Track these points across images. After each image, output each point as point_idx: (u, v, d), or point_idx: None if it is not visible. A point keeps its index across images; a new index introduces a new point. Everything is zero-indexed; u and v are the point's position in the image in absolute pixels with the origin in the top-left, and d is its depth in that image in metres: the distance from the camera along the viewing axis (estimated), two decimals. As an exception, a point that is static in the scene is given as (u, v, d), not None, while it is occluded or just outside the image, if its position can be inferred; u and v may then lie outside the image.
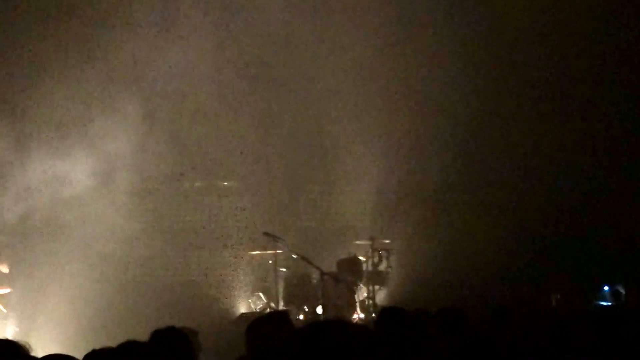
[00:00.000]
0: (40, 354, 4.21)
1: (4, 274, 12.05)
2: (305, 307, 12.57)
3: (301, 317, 12.42)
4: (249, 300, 13.18)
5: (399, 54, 13.18)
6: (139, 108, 12.52)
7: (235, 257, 12.97)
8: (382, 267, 12.96)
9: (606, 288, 12.60)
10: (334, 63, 13.28)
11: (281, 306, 12.40)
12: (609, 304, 11.63)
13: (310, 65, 13.24)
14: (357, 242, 13.37)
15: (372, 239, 13.05)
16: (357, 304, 12.62)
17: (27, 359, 3.96)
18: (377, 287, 12.84)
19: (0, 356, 3.85)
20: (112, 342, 4.49)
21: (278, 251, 12.40)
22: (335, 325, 2.52)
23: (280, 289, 12.61)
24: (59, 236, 12.26)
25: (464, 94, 13.27)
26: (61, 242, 12.18)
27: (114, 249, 12.80)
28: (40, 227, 12.34)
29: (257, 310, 12.85)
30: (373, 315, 11.92)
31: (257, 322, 4.97)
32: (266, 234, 12.29)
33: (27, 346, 4.03)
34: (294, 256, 12.22)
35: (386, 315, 5.68)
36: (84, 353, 4.35)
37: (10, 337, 5.35)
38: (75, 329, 11.29)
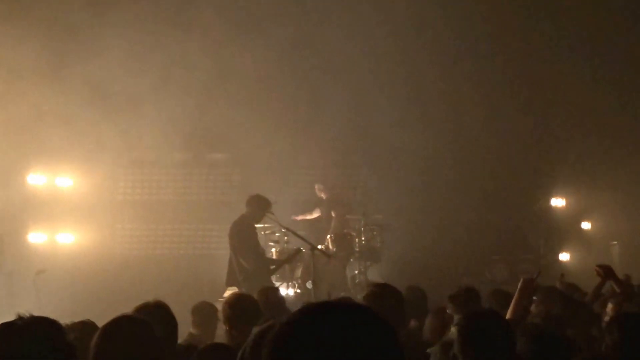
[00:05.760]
0: None
1: None
2: (295, 282, 12.33)
3: (291, 292, 12.19)
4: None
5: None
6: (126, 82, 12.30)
7: (223, 231, 12.38)
8: (374, 242, 12.77)
9: None
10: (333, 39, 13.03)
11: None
12: None
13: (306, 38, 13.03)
14: (349, 216, 13.14)
15: (364, 214, 12.84)
16: (348, 279, 12.44)
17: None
18: (368, 263, 12.64)
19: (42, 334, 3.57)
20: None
21: (267, 225, 12.06)
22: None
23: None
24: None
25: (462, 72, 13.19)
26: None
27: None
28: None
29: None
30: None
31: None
32: (255, 207, 11.83)
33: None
34: (284, 230, 11.86)
35: (375, 292, 5.53)
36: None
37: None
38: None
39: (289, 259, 11.22)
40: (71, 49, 12.13)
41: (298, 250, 11.26)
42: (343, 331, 2.08)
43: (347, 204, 13.34)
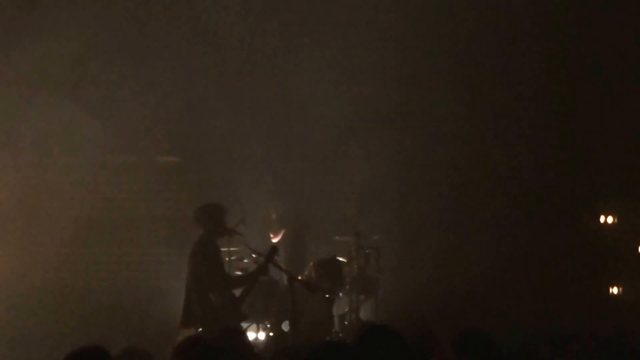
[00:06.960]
0: None
1: None
2: (267, 323, 10.78)
3: (262, 336, 10.69)
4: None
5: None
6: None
7: (177, 256, 11.29)
8: (370, 271, 11.42)
9: None
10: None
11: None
12: None
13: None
14: (338, 238, 11.77)
15: (357, 234, 11.42)
16: (336, 319, 11.03)
17: None
18: (362, 297, 11.32)
19: None
20: None
21: (233, 249, 10.81)
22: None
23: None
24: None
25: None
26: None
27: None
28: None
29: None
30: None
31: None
32: (219, 225, 10.96)
33: None
34: (254, 256, 10.43)
35: (369, 336, 5.22)
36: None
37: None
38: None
39: (260, 270, 9.72)
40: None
41: (274, 250, 9.73)
42: None
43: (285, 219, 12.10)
